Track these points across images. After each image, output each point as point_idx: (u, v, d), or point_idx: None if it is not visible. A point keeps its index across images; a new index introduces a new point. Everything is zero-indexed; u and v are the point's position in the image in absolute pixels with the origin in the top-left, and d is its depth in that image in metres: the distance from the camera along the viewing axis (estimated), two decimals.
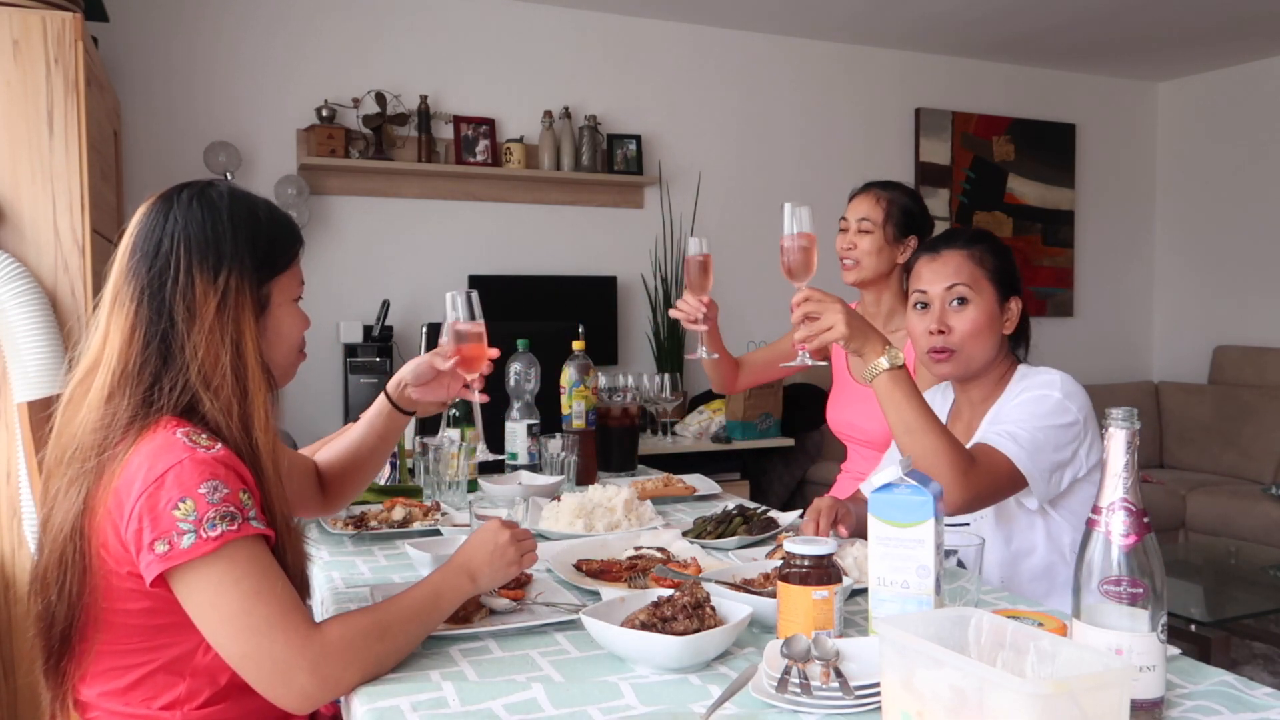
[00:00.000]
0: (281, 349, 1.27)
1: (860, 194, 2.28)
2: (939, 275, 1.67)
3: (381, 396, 1.60)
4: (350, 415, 3.65)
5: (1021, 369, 1.70)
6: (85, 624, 1.15)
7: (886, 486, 1.19)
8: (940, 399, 1.84)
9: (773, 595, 1.25)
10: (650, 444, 3.96)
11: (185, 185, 1.23)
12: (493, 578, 1.26)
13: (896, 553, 1.17)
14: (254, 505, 1.13)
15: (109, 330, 1.19)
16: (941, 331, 1.65)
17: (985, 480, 1.50)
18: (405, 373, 1.58)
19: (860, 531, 1.57)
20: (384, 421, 1.59)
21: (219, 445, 1.13)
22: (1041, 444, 1.55)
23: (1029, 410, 1.58)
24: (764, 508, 1.91)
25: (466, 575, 1.24)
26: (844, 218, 2.28)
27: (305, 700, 1.10)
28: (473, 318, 1.56)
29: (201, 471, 1.09)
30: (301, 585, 1.24)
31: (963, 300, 1.65)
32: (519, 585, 1.41)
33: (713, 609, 1.20)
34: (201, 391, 1.16)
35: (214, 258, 1.18)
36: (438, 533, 1.83)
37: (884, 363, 1.50)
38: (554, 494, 2.05)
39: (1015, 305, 1.68)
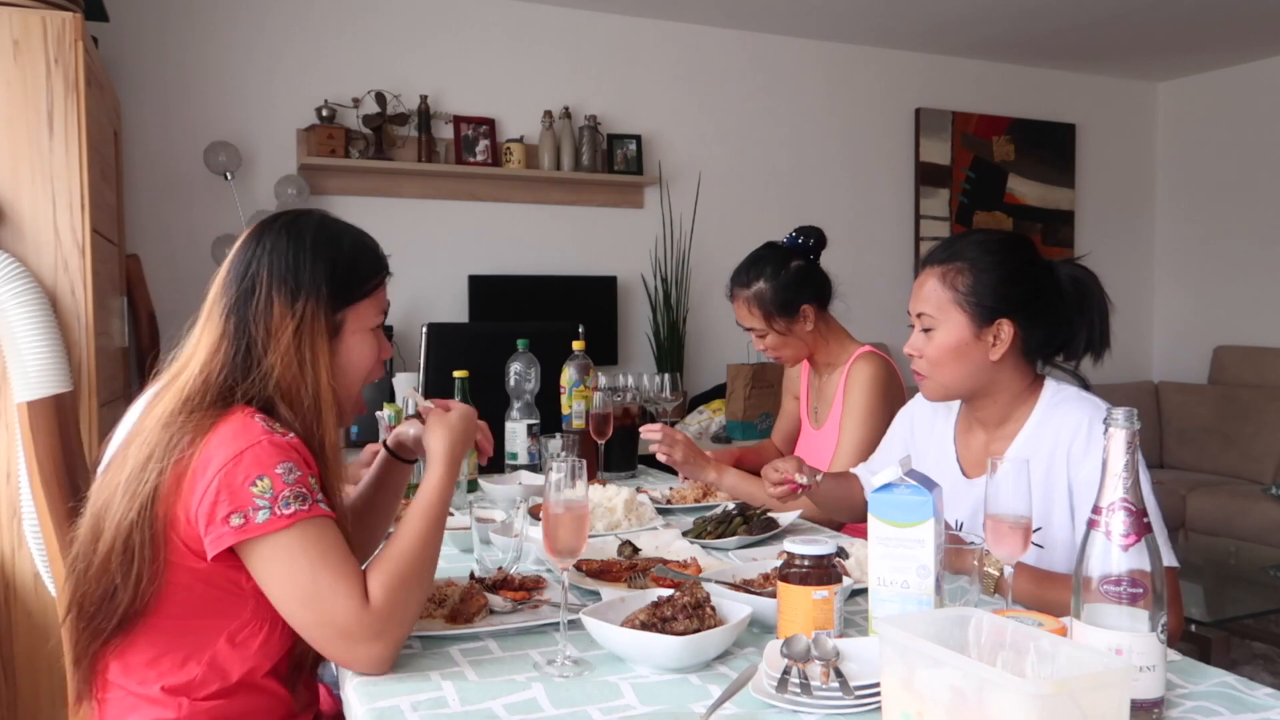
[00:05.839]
0: (350, 377, 1.30)
1: (734, 303, 2.27)
2: (915, 299, 1.58)
3: (381, 451, 1.54)
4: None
5: (1051, 388, 1.57)
6: (146, 604, 1.18)
7: (886, 486, 1.19)
8: (942, 420, 1.72)
9: (773, 595, 1.25)
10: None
11: (284, 213, 1.31)
12: (464, 452, 1.34)
13: (896, 553, 1.17)
14: (320, 491, 1.18)
15: (200, 339, 1.26)
16: (915, 355, 1.59)
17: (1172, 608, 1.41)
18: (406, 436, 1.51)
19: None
20: (383, 470, 1.53)
21: (291, 434, 1.19)
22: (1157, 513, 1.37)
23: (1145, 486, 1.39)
24: (764, 507, 1.91)
25: (452, 466, 1.31)
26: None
27: (378, 663, 1.14)
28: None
29: (277, 454, 1.14)
30: None
31: (928, 329, 1.56)
32: (521, 587, 1.41)
33: (713, 609, 1.20)
34: (279, 402, 1.22)
35: (293, 283, 1.24)
36: None
37: None
38: None
39: (1006, 328, 1.51)
